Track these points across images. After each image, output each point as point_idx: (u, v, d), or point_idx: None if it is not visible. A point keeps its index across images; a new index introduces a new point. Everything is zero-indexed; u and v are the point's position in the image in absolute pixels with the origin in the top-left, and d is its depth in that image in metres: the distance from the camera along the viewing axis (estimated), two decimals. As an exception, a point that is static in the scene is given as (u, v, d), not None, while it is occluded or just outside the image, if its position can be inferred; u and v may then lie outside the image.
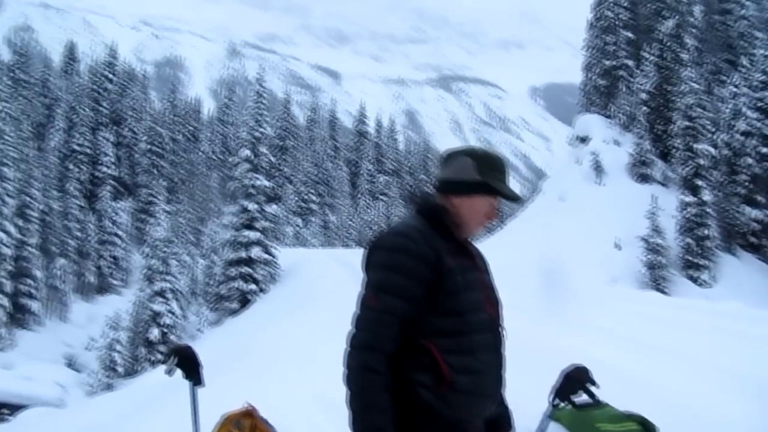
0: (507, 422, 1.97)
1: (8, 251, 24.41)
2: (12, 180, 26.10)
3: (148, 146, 45.50)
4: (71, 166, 39.49)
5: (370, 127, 63.07)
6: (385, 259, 1.75)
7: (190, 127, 52.71)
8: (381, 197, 51.88)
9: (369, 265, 1.79)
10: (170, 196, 42.76)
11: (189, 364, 2.62)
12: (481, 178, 1.83)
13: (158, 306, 23.48)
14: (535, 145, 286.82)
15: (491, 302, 1.86)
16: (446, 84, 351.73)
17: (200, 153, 50.32)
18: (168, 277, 24.22)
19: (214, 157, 50.72)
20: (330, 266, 20.67)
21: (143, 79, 58.07)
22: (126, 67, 53.85)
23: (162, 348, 22.78)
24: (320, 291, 15.58)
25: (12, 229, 25.16)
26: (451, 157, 1.90)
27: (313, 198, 50.15)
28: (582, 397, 2.07)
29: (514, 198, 1.90)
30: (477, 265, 1.89)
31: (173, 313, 23.77)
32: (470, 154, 1.87)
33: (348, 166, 56.89)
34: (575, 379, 2.04)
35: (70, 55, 57.11)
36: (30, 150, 33.10)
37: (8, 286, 24.56)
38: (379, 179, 55.26)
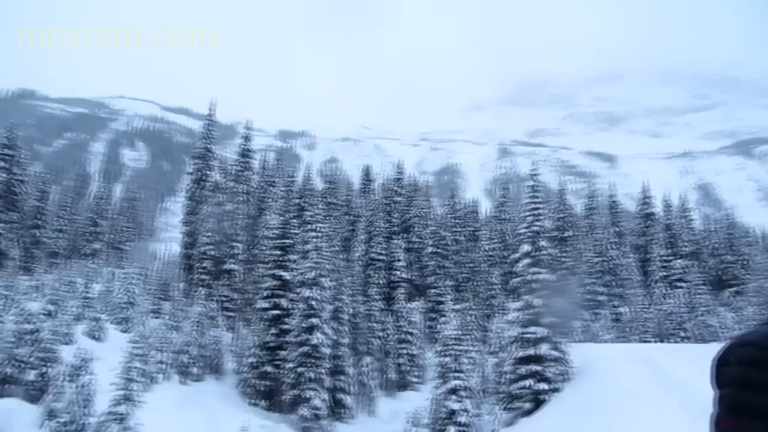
0: None
1: (327, 351, 28.10)
2: (328, 288, 30.49)
3: (434, 249, 49.15)
4: (371, 273, 44.78)
5: (657, 208, 58.03)
6: (738, 375, 1.57)
7: (470, 228, 55.55)
8: (679, 284, 46.25)
9: (720, 380, 1.63)
10: (456, 295, 44.91)
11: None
12: None
13: (453, 404, 24.07)
14: None
15: None
16: (746, 149, 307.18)
17: (481, 251, 52.26)
18: (460, 375, 24.85)
19: (493, 255, 52.10)
20: (628, 364, 18.92)
21: (426, 188, 64.23)
22: (411, 181, 60.57)
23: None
24: (620, 393, 14.25)
25: (329, 331, 29.06)
26: None
27: (600, 289, 47.25)
28: None
29: None
30: None
31: (467, 412, 24.06)
32: None
33: (636, 253, 52.61)
34: None
35: (366, 177, 66.65)
36: (340, 261, 38.59)
37: (328, 381, 28.03)
38: (674, 264, 49.62)
